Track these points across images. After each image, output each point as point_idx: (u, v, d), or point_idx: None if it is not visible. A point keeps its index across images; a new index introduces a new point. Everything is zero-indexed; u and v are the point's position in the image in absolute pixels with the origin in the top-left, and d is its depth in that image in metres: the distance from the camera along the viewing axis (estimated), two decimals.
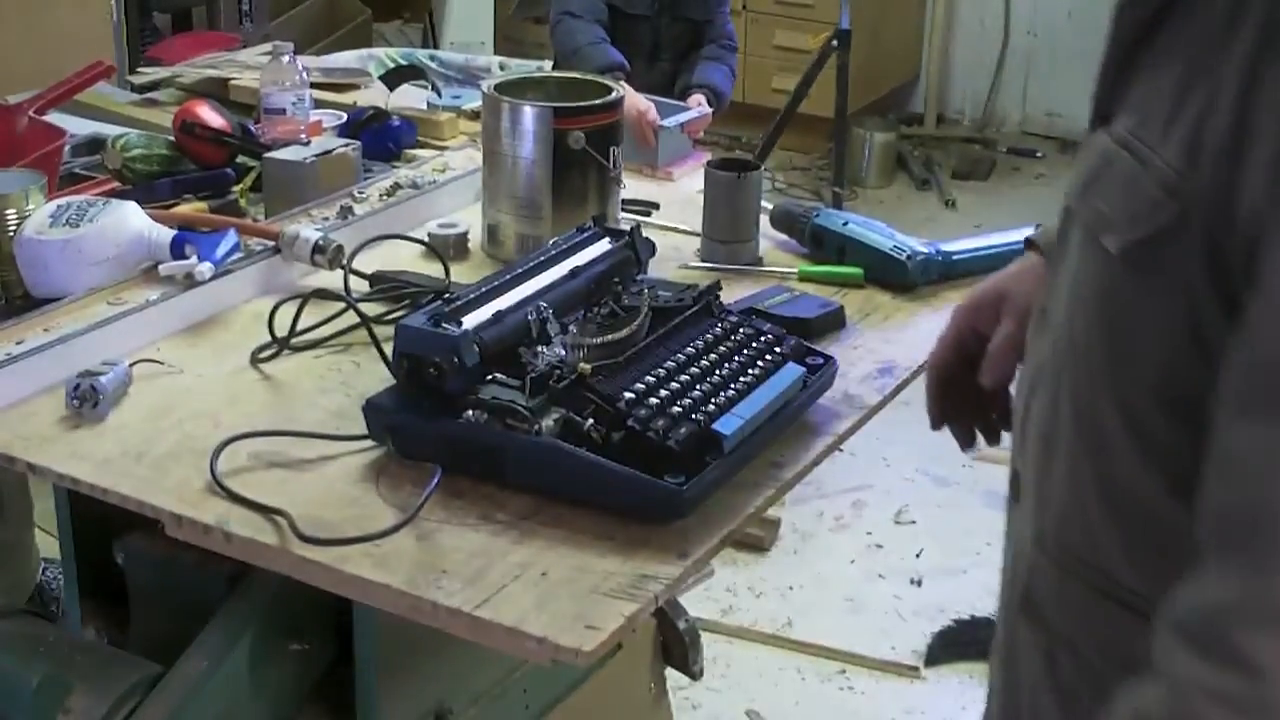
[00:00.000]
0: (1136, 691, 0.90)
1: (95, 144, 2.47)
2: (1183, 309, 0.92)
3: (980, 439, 1.40)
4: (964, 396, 1.36)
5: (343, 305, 1.82)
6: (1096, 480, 1.04)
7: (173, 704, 1.46)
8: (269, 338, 1.78)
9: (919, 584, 3.26)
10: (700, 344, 1.63)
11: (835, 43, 4.07)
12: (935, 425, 1.41)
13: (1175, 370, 0.94)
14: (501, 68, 3.14)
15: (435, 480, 1.44)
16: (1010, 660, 1.15)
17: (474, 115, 2.62)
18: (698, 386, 1.55)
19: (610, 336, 1.61)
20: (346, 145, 2.29)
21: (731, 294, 1.85)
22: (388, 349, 1.56)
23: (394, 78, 2.87)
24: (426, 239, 2.09)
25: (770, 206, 2.22)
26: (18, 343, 1.72)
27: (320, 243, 1.92)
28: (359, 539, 1.37)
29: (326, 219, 2.12)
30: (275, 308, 1.80)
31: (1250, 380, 0.87)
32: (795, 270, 2.06)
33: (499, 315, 1.57)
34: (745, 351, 1.65)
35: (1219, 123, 0.87)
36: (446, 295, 1.59)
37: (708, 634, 2.75)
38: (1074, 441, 1.06)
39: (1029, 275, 1.31)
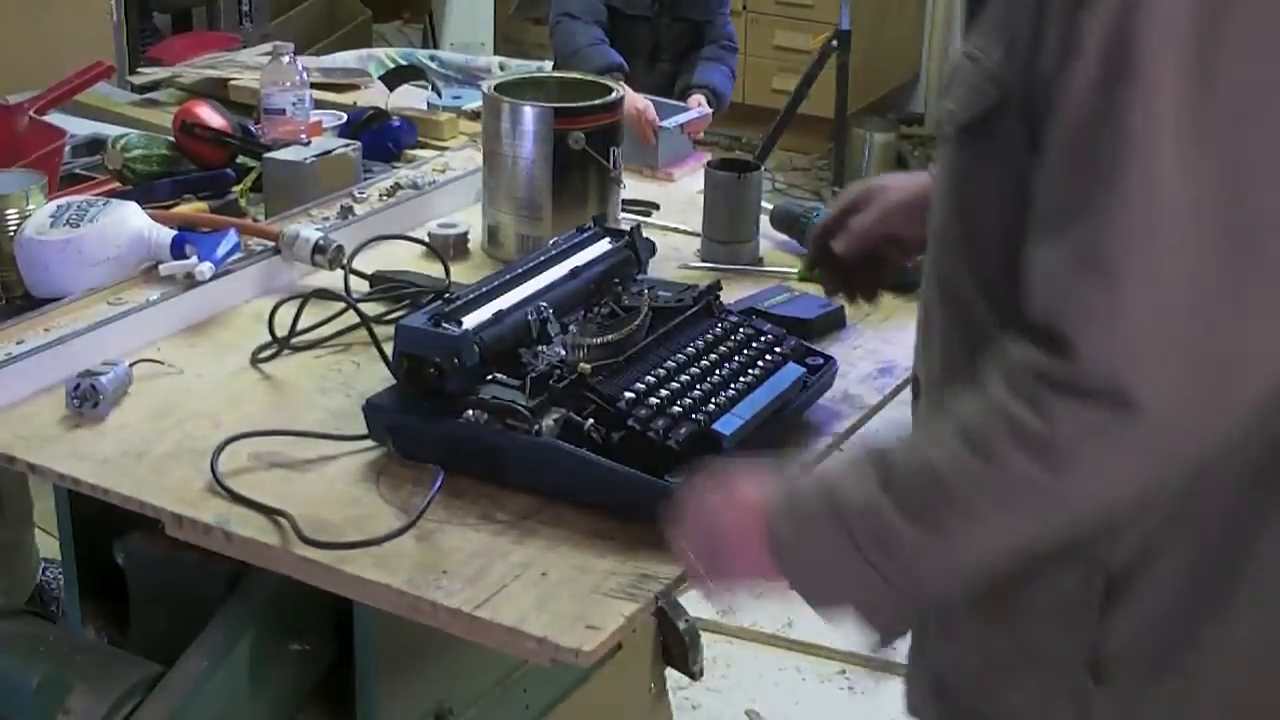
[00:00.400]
0: (958, 406, 1.10)
1: (95, 144, 2.47)
2: (1013, 176, 1.09)
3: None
4: (836, 261, 1.60)
5: (343, 305, 1.82)
6: (964, 345, 1.19)
7: (173, 704, 1.46)
8: (269, 338, 1.78)
9: None
10: (700, 344, 1.63)
11: (835, 43, 4.08)
12: (808, 270, 1.82)
13: (1013, 233, 1.09)
14: (501, 68, 3.14)
15: (438, 483, 1.44)
16: None
17: (474, 115, 2.62)
18: (698, 386, 1.55)
19: (610, 336, 1.61)
20: (346, 145, 2.29)
21: (731, 294, 1.85)
22: (388, 349, 1.56)
23: (394, 78, 2.87)
24: (426, 239, 2.10)
25: (770, 206, 2.22)
26: (18, 343, 1.72)
27: (320, 243, 1.92)
28: (362, 543, 1.37)
29: (327, 219, 2.12)
30: (275, 308, 1.80)
31: (1045, 202, 1.06)
32: (795, 270, 2.06)
33: (499, 315, 1.57)
34: (745, 352, 1.65)
35: (1025, 23, 1.08)
36: (447, 295, 1.59)
37: (708, 634, 2.75)
38: (943, 315, 1.22)
39: (915, 180, 1.53)
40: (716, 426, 1.50)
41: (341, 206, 2.16)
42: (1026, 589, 1.17)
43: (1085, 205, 1.03)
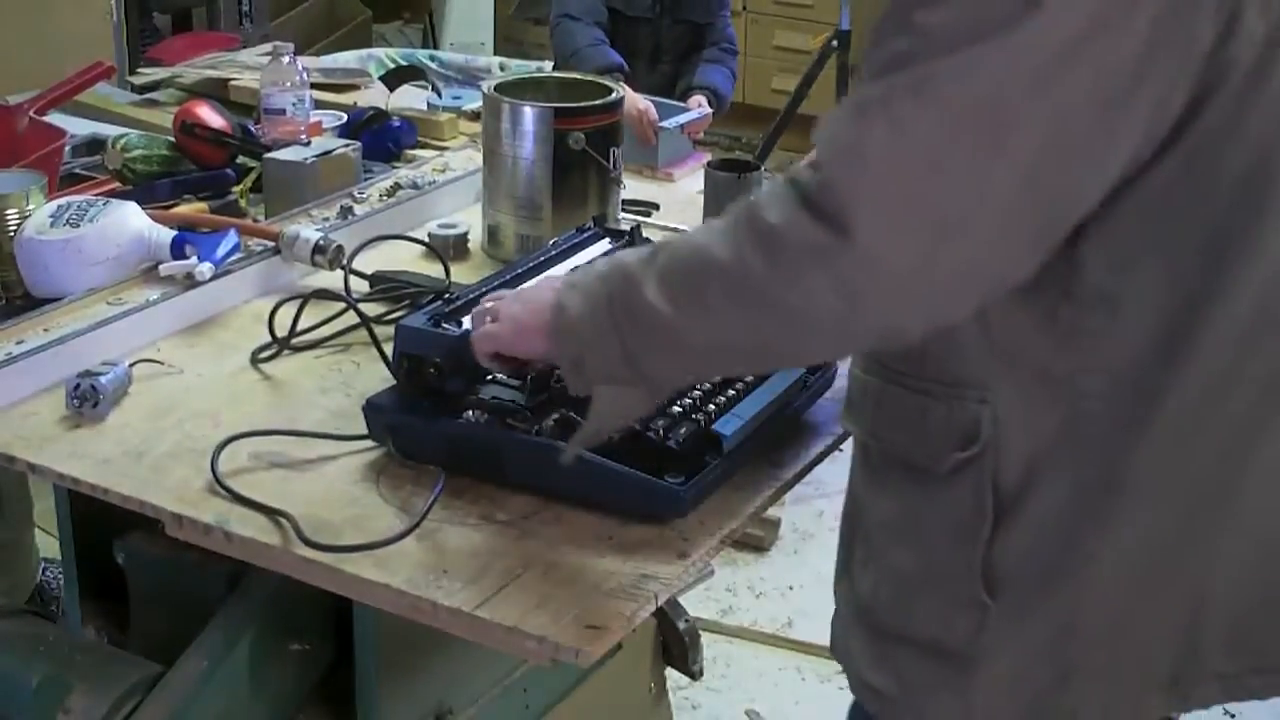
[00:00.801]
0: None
1: (95, 144, 2.47)
2: None
3: None
4: None
5: (343, 305, 1.82)
6: None
7: (173, 704, 1.46)
8: (269, 338, 1.78)
9: None
10: None
11: (835, 43, 4.06)
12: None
13: None
14: (502, 68, 3.15)
15: (439, 487, 1.44)
16: (851, 470, 1.38)
17: (474, 116, 2.62)
18: (698, 387, 1.55)
19: None
20: (347, 146, 2.29)
21: None
22: (388, 349, 1.57)
23: (394, 78, 2.87)
24: (427, 239, 2.10)
25: None
26: (18, 343, 1.72)
27: (320, 243, 1.92)
28: (364, 546, 1.37)
29: (327, 219, 2.12)
30: (275, 308, 1.80)
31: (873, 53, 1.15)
32: None
33: None
34: None
35: None
36: (447, 295, 1.59)
37: (708, 634, 2.75)
38: None
39: None
40: (716, 426, 1.50)
41: (341, 207, 2.16)
42: (926, 510, 1.26)
43: (883, 69, 1.12)
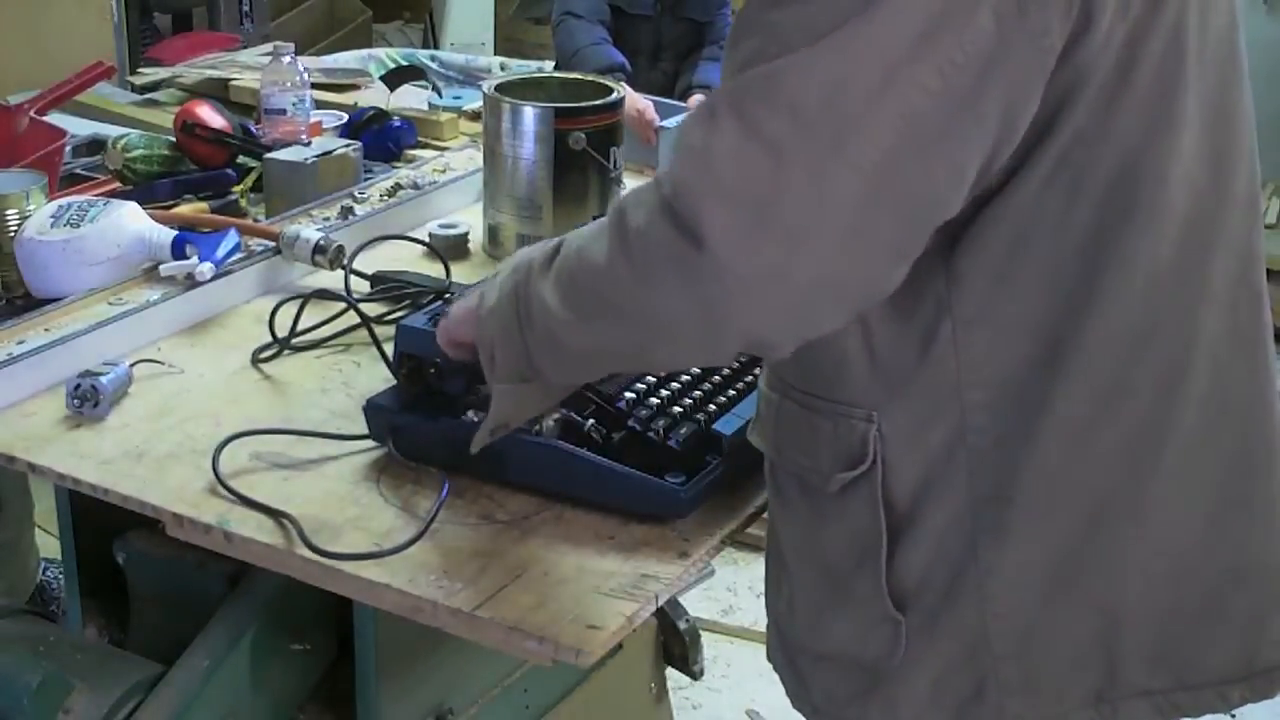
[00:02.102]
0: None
1: (96, 144, 2.47)
2: None
3: None
4: None
5: (343, 305, 1.82)
6: None
7: (173, 704, 1.46)
8: (270, 338, 1.78)
9: None
10: None
11: None
12: None
13: None
14: (502, 68, 3.15)
15: (444, 493, 1.43)
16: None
17: (475, 116, 2.62)
18: (698, 387, 1.55)
19: None
20: (347, 146, 2.29)
21: None
22: (388, 349, 1.57)
23: (394, 78, 2.87)
24: (427, 239, 2.10)
25: None
26: (18, 343, 1.72)
27: (321, 243, 1.92)
28: (371, 555, 1.36)
29: (327, 219, 2.12)
30: (276, 308, 1.80)
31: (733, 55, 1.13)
32: None
33: None
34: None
35: None
36: (447, 295, 1.59)
37: (708, 634, 2.75)
38: None
39: None
40: (717, 426, 1.50)
41: (342, 207, 2.16)
42: (823, 531, 1.26)
43: (736, 69, 1.10)
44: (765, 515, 1.40)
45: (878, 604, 1.24)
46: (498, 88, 2.09)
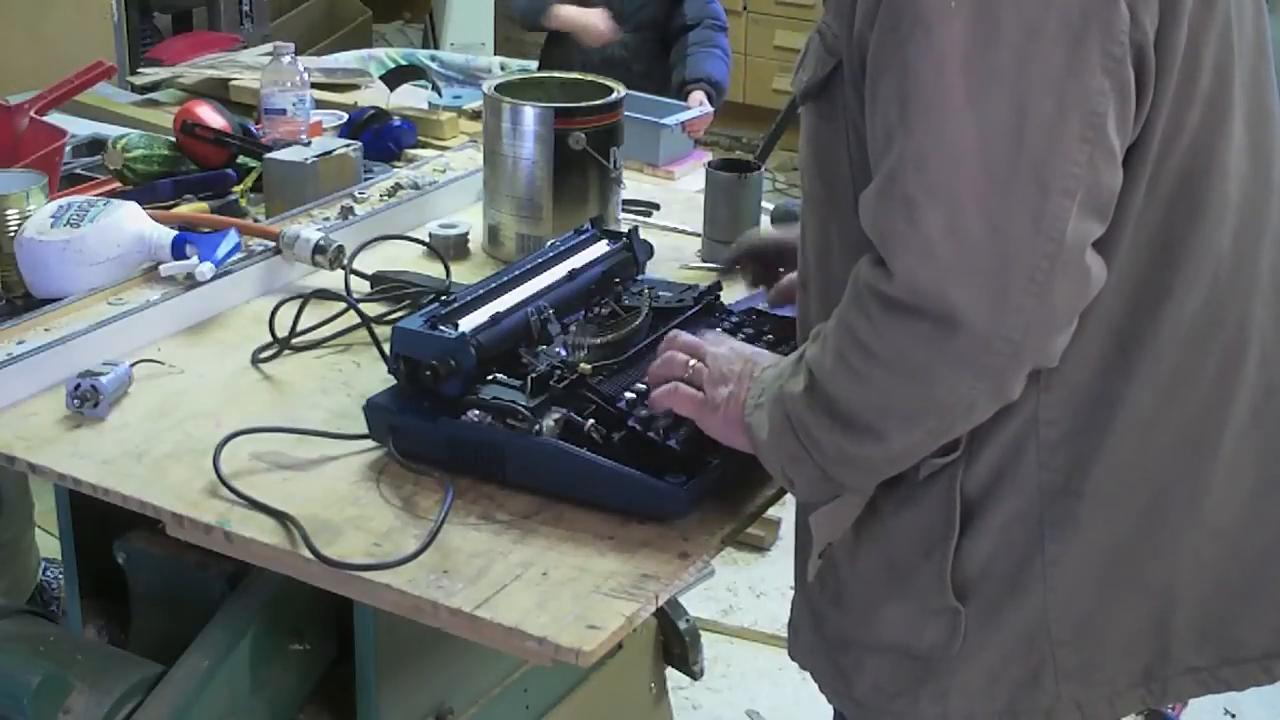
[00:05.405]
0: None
1: (96, 144, 2.47)
2: (854, 135, 1.21)
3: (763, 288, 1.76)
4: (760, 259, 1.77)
5: (343, 305, 1.82)
6: (821, 295, 1.31)
7: (174, 704, 1.46)
8: (270, 338, 1.78)
9: None
10: None
11: None
12: (727, 267, 1.88)
13: (861, 188, 1.18)
14: (502, 68, 3.15)
15: (449, 499, 1.43)
16: None
17: (474, 115, 2.62)
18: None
19: (611, 337, 1.61)
20: (347, 146, 2.29)
21: (732, 294, 1.85)
22: (388, 349, 1.56)
23: (394, 78, 2.87)
24: (427, 239, 2.10)
25: (771, 206, 2.22)
26: (18, 343, 1.72)
27: (321, 243, 1.92)
28: (378, 565, 1.34)
29: (327, 219, 2.12)
30: (276, 308, 1.80)
31: (869, 145, 1.17)
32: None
33: (497, 317, 1.57)
34: None
35: None
36: (445, 296, 1.59)
37: (708, 634, 2.75)
38: (815, 271, 1.33)
39: None
40: None
41: (342, 207, 2.16)
42: (893, 519, 1.28)
43: (888, 143, 1.13)
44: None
45: (938, 594, 1.26)
46: (498, 88, 2.09)
